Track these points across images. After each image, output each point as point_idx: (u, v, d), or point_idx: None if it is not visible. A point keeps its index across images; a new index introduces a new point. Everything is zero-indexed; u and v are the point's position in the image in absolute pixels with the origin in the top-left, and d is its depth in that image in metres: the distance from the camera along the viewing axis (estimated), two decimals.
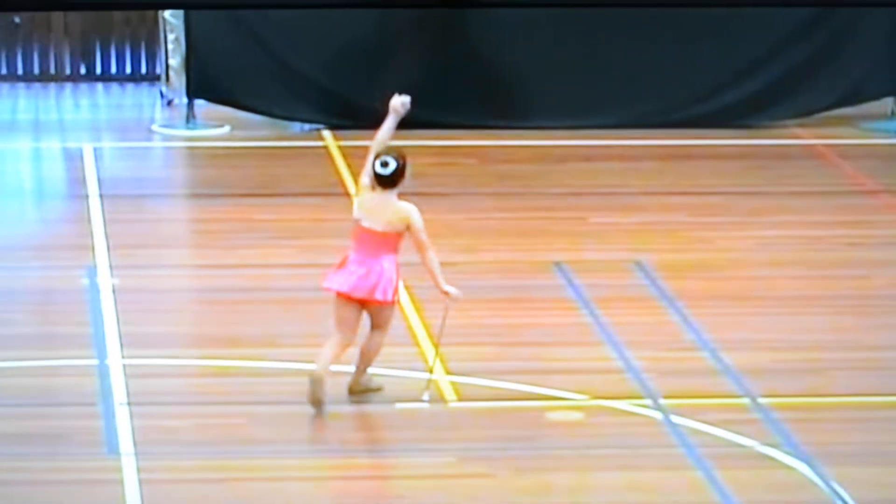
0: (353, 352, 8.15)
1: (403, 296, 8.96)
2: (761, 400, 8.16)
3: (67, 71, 13.22)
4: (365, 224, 7.94)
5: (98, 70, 13.23)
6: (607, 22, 12.07)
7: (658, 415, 8.06)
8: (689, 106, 12.22)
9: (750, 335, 8.86)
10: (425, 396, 8.07)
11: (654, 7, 9.88)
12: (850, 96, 12.32)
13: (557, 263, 9.66)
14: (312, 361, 8.19)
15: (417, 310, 8.88)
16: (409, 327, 8.80)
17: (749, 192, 11.02)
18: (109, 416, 7.98)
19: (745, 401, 8.18)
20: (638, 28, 12.09)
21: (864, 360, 8.61)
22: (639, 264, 9.68)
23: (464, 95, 12.08)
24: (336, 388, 8.25)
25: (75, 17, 13.15)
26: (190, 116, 12.20)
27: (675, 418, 8.01)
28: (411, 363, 8.36)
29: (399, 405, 8.11)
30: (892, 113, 12.37)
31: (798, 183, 11.21)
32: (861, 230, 10.33)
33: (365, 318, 8.08)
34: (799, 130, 12.21)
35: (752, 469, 7.65)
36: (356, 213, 8.01)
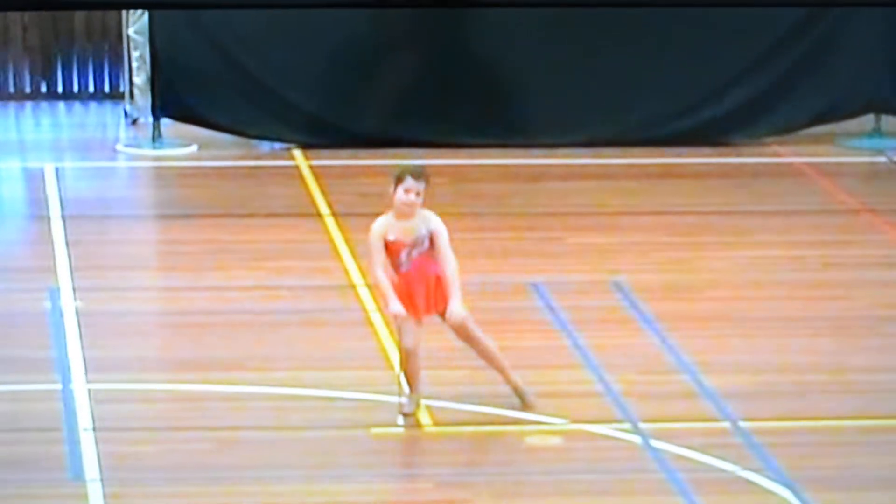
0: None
1: (377, 319, 8.98)
2: (742, 423, 8.20)
3: (27, 89, 13.20)
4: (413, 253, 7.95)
5: (59, 88, 13.21)
6: (583, 37, 12.14)
7: (638, 439, 8.10)
8: (668, 123, 12.30)
9: (730, 357, 8.91)
10: (399, 419, 8.10)
11: (643, 7, 9.89)
12: (830, 113, 12.42)
13: (534, 284, 9.71)
14: (281, 385, 8.19)
15: (391, 333, 8.90)
16: (384, 351, 8.82)
17: (729, 212, 11.09)
18: (74, 441, 7.97)
19: (726, 424, 8.22)
20: (615, 44, 12.16)
21: (845, 382, 8.66)
22: (617, 285, 9.73)
23: (436, 114, 12.12)
24: (308, 412, 8.26)
25: (35, 32, 13.12)
26: (156, 135, 12.20)
27: (655, 443, 8.05)
28: (385, 387, 8.37)
29: (375, 430, 8.12)
30: (873, 130, 12.48)
31: (778, 201, 11.29)
32: (841, 250, 10.41)
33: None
34: (779, 148, 12.30)
35: (734, 494, 7.69)
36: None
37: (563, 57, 12.16)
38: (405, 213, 7.95)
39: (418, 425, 8.16)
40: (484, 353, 8.17)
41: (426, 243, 7.98)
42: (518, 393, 8.21)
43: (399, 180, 7.96)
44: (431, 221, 7.98)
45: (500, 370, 8.20)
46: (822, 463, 7.93)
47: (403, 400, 8.13)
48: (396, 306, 7.91)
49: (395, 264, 8.01)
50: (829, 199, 11.39)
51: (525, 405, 8.17)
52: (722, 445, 8.00)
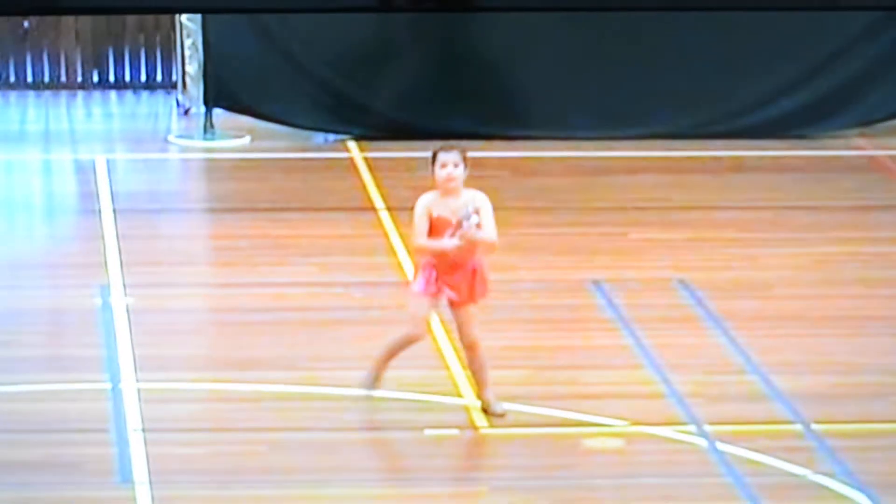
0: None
1: (435, 320, 9.11)
2: (815, 426, 8.22)
3: (79, 79, 13.43)
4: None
5: (111, 78, 13.43)
6: (653, 23, 12.16)
7: (703, 442, 8.14)
8: (741, 115, 12.29)
9: (803, 358, 8.92)
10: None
11: (652, 11, 9.93)
12: None
13: (596, 282, 9.76)
14: (335, 385, 8.33)
15: (447, 332, 9.01)
16: (439, 350, 8.94)
17: (804, 207, 11.08)
18: (122, 442, 8.10)
19: (798, 427, 8.25)
20: (687, 31, 12.17)
21: None
22: (683, 283, 9.77)
23: (494, 105, 12.19)
24: (362, 413, 8.38)
25: (86, 22, 13.34)
26: (208, 126, 12.37)
27: (720, 446, 8.09)
28: (440, 387, 8.47)
29: (429, 432, 8.23)
30: None
31: (858, 197, 11.27)
32: None
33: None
34: (860, 141, 12.26)
35: (805, 500, 7.71)
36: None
37: (633, 44, 12.19)
38: (449, 190, 8.09)
39: (473, 427, 8.28)
40: (475, 362, 8.21)
41: (474, 220, 8.12)
42: (489, 409, 8.24)
43: (434, 159, 8.14)
44: (478, 198, 8.15)
45: (482, 380, 8.25)
46: None
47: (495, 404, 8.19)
48: (451, 241, 8.00)
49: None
50: None
51: (493, 414, 8.22)
52: (792, 449, 8.02)
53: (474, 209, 8.10)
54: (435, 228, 8.14)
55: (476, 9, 4.37)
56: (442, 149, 8.14)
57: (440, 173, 8.09)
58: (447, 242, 8.08)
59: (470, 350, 8.24)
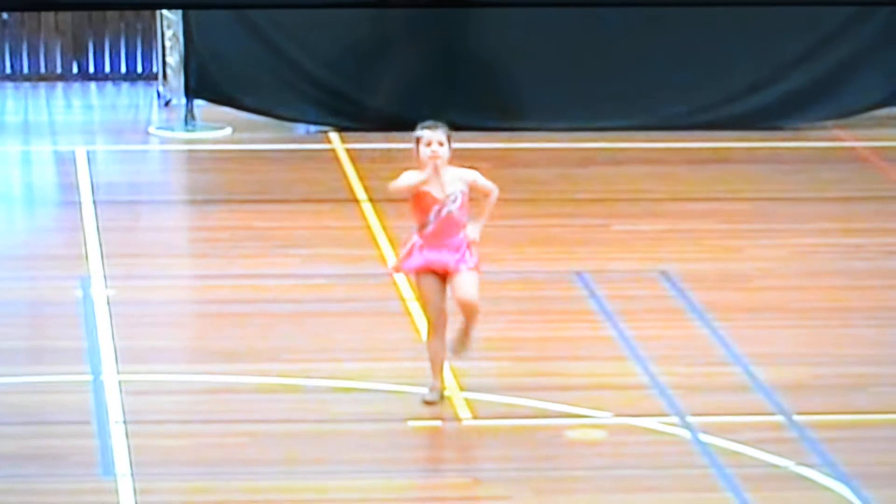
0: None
1: (414, 308, 9.08)
2: (797, 417, 8.23)
3: (59, 70, 13.38)
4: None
5: (91, 69, 13.38)
6: (634, 16, 12.17)
7: (686, 433, 8.14)
8: (721, 106, 12.31)
9: (785, 349, 8.94)
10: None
11: (642, 6, 9.93)
12: (894, 96, 12.41)
13: (579, 273, 9.76)
14: (317, 377, 8.32)
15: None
16: (420, 340, 8.91)
17: (784, 198, 11.10)
18: (104, 434, 8.08)
19: (780, 418, 8.25)
20: (667, 23, 12.18)
21: None
22: (665, 274, 9.77)
23: (478, 96, 12.19)
24: (345, 404, 8.37)
25: (66, 13, 13.29)
26: (189, 118, 12.33)
27: (704, 437, 8.10)
28: (423, 379, 8.46)
29: (412, 423, 8.23)
30: None
31: (838, 188, 11.29)
32: None
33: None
34: (839, 132, 12.28)
35: (788, 491, 7.72)
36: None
37: (614, 36, 12.20)
38: (434, 168, 8.15)
39: (456, 418, 8.27)
40: (465, 333, 8.24)
41: (459, 200, 8.17)
42: (438, 389, 8.27)
43: (418, 140, 8.19)
44: (468, 174, 8.24)
45: (441, 363, 8.28)
46: (884, 458, 7.94)
47: (426, 391, 8.27)
48: (416, 177, 8.05)
49: (423, 223, 8.20)
50: (892, 185, 11.38)
51: (429, 400, 8.26)
52: (775, 440, 8.04)
53: (465, 185, 8.16)
54: (420, 204, 8.18)
55: (470, 4, 4.34)
56: (426, 127, 8.18)
57: (425, 151, 8.14)
58: (412, 176, 8.07)
59: (466, 309, 8.17)
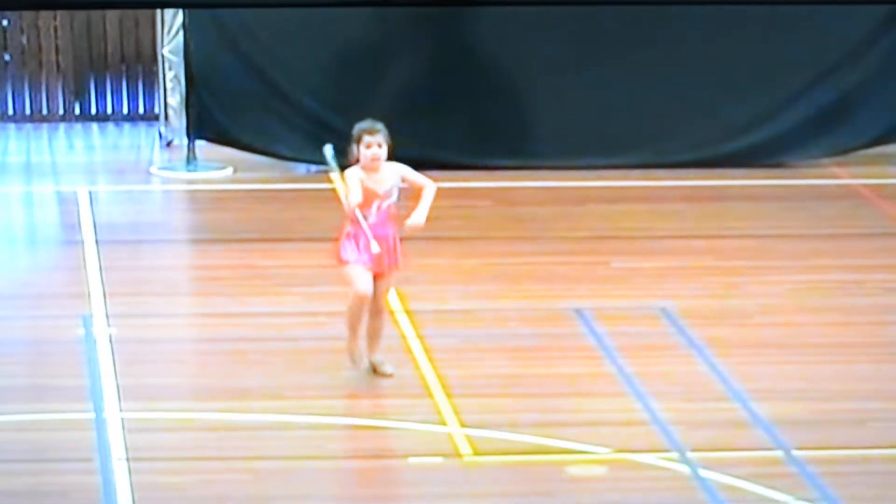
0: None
1: (417, 346, 9.13)
2: (797, 452, 8.26)
3: (61, 110, 13.46)
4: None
5: (93, 109, 13.46)
6: (630, 52, 12.27)
7: (685, 469, 8.18)
8: (719, 144, 12.38)
9: (784, 384, 8.96)
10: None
11: (647, 5, 9.93)
12: (892, 133, 12.49)
13: (578, 310, 9.81)
14: (318, 413, 8.36)
15: (430, 360, 9.04)
16: (422, 378, 8.97)
17: (782, 235, 11.16)
18: (107, 472, 8.11)
19: (779, 454, 8.29)
20: (663, 59, 12.29)
21: None
22: (664, 311, 9.82)
23: (478, 135, 12.28)
24: (346, 441, 8.41)
25: (68, 54, 13.39)
26: (191, 158, 12.41)
27: (703, 472, 8.13)
28: (424, 416, 8.51)
29: (412, 460, 8.26)
30: None
31: (835, 225, 11.34)
32: None
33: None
34: (836, 170, 12.35)
35: None
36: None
37: (610, 72, 12.30)
38: (374, 168, 8.78)
39: (457, 455, 8.31)
40: (376, 326, 8.80)
41: (395, 194, 8.79)
42: (378, 369, 8.82)
43: (358, 140, 8.83)
44: (400, 168, 8.83)
45: (376, 345, 8.85)
46: (883, 493, 7.96)
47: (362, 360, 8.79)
48: (356, 198, 8.68)
49: (364, 216, 8.79)
50: (891, 222, 11.44)
51: (382, 374, 8.77)
52: (775, 475, 8.05)
53: (399, 178, 8.76)
54: (363, 200, 8.75)
55: (473, 2, 4.42)
56: (367, 131, 8.77)
57: (366, 153, 8.78)
58: (353, 196, 8.70)
59: (376, 316, 8.82)
